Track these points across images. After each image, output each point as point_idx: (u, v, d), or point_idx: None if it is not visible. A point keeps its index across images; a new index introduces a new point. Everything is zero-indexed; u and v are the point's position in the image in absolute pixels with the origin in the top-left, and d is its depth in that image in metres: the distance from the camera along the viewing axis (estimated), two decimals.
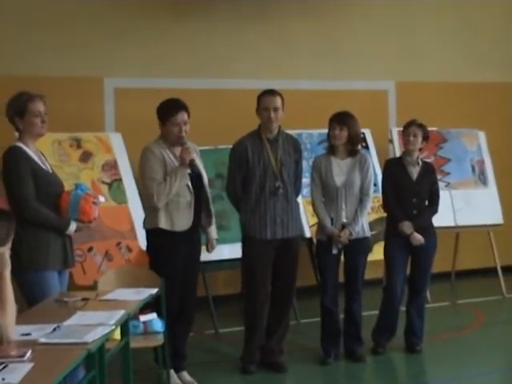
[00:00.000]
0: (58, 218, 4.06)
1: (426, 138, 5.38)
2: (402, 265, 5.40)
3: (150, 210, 4.65)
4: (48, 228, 4.02)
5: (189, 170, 4.59)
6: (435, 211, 5.46)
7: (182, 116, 4.59)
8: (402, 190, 5.35)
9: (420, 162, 5.42)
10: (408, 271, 5.48)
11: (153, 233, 4.65)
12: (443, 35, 8.20)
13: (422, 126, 5.36)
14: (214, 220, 4.85)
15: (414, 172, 5.38)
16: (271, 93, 4.98)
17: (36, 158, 4.09)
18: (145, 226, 4.75)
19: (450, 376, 5.05)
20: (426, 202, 5.43)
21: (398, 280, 5.36)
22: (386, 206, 5.49)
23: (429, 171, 5.45)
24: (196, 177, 4.66)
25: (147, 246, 4.79)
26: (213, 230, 4.88)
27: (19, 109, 4.04)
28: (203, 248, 4.86)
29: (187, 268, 4.66)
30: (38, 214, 4.00)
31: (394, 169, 5.43)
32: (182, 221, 4.59)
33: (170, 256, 4.57)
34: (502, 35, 8.48)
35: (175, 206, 4.56)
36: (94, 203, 4.12)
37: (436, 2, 8.16)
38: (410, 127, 5.36)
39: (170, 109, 4.60)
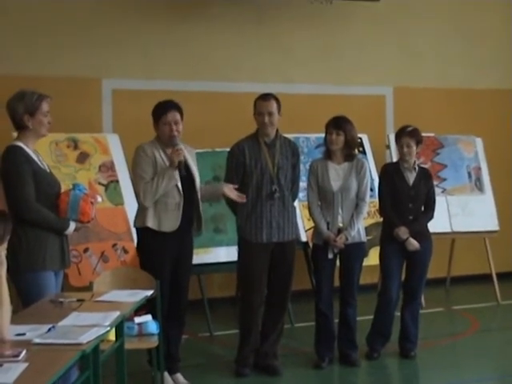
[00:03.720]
0: (58, 219, 4.04)
1: (419, 142, 5.34)
2: (397, 270, 5.40)
3: (141, 208, 4.69)
4: (48, 229, 4.01)
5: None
6: (431, 217, 5.46)
7: (173, 115, 4.60)
8: (398, 195, 5.35)
9: (417, 168, 5.42)
10: (403, 276, 5.50)
11: (141, 231, 4.70)
12: (441, 41, 8.22)
13: (413, 134, 5.29)
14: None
15: (411, 177, 5.38)
16: (265, 97, 4.99)
17: (35, 158, 4.07)
18: (135, 224, 4.80)
19: (444, 382, 5.05)
20: (423, 208, 5.44)
21: (393, 285, 5.37)
22: (382, 210, 5.49)
23: (425, 177, 5.45)
24: (189, 179, 4.66)
25: (137, 244, 4.87)
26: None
27: (32, 107, 3.97)
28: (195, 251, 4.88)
29: (178, 270, 4.66)
30: (39, 216, 3.98)
31: (390, 174, 5.42)
32: (169, 222, 4.59)
33: (157, 255, 4.58)
34: (500, 42, 8.49)
35: (163, 206, 4.58)
36: (92, 203, 4.12)
37: (435, 8, 8.17)
38: (401, 138, 5.30)
39: (160, 109, 4.65)
